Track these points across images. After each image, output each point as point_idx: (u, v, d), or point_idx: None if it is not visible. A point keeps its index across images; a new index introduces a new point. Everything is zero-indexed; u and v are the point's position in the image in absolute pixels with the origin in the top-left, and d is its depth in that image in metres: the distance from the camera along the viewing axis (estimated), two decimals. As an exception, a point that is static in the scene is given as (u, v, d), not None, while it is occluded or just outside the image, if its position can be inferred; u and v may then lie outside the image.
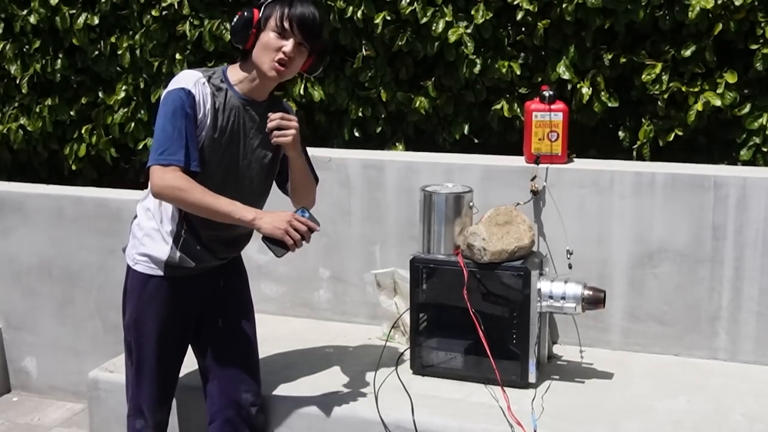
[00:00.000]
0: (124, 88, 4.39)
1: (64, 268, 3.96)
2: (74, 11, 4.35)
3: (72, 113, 4.58)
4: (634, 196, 3.23)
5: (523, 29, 3.68)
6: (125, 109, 4.41)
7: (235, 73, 2.60)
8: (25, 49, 4.55)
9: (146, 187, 2.67)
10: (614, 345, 3.34)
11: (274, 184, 2.80)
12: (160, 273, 2.62)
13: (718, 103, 3.41)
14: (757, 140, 3.44)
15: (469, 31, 3.68)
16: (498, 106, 3.76)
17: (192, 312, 2.73)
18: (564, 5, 3.51)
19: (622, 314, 3.31)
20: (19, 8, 4.46)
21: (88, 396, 3.28)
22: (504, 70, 3.68)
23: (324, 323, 3.70)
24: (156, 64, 4.27)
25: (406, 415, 2.79)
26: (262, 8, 2.52)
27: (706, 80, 3.48)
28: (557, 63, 3.61)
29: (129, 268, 2.69)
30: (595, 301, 2.91)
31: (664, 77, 3.49)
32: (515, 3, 3.59)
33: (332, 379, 3.08)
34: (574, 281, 2.92)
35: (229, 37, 2.54)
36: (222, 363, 2.79)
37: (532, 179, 3.30)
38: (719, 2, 3.33)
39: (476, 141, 3.93)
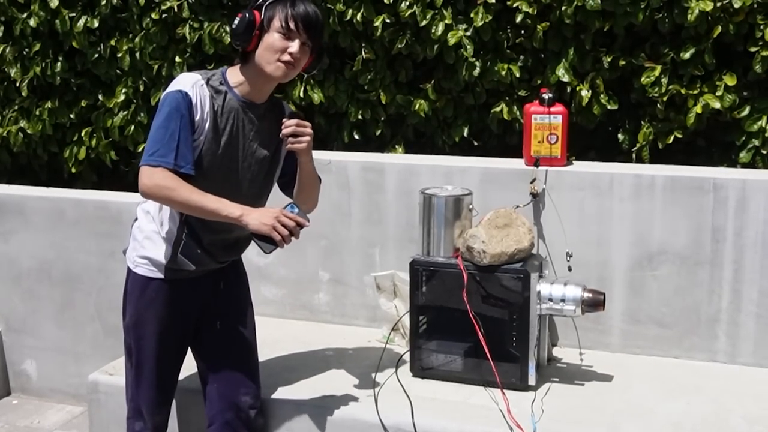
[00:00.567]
0: (123, 91, 4.39)
1: (64, 270, 3.96)
2: (74, 14, 4.36)
3: (72, 116, 4.59)
4: (634, 199, 3.23)
5: (523, 32, 3.69)
6: (125, 112, 4.42)
7: (234, 75, 2.60)
8: (24, 52, 4.55)
9: None
10: (614, 347, 3.34)
11: (276, 186, 2.81)
12: (161, 276, 2.62)
13: (717, 105, 3.42)
14: (757, 142, 3.45)
15: (468, 33, 3.69)
16: (497, 109, 3.76)
17: (192, 315, 2.74)
18: (563, 8, 3.52)
19: (621, 316, 3.31)
20: (18, 11, 4.47)
21: (88, 399, 3.28)
22: (503, 73, 3.68)
23: (324, 326, 3.70)
24: (156, 67, 4.27)
25: (405, 417, 2.79)
26: (263, 9, 2.51)
27: (706, 82, 3.48)
28: (556, 65, 3.62)
29: (129, 270, 2.69)
30: (594, 303, 2.91)
31: (664, 79, 3.49)
32: (514, 6, 3.59)
33: (332, 382, 3.08)
34: (574, 284, 2.92)
35: (230, 39, 2.54)
36: (221, 366, 2.79)
37: (532, 182, 3.30)
38: (718, 5, 3.34)
39: (476, 143, 3.93)
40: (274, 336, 3.48)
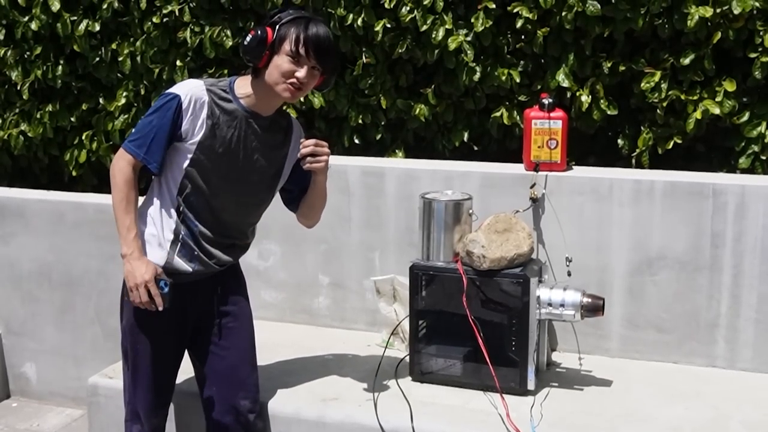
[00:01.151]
0: (124, 94, 4.40)
1: (64, 273, 3.96)
2: (75, 18, 4.37)
3: (73, 119, 4.60)
4: (633, 204, 3.24)
5: (523, 37, 3.70)
6: (126, 116, 4.43)
7: (243, 86, 2.62)
8: (26, 55, 4.56)
9: (145, 193, 2.68)
10: (613, 352, 3.34)
11: (278, 197, 2.82)
12: None
13: (716, 111, 3.42)
14: (756, 148, 3.45)
15: (468, 38, 3.69)
16: (497, 114, 3.77)
17: (189, 318, 2.74)
18: (563, 13, 3.53)
19: (621, 321, 3.31)
20: (20, 14, 4.48)
21: (88, 402, 3.28)
22: (503, 78, 3.69)
23: (323, 330, 3.71)
24: (157, 70, 4.28)
25: (405, 421, 2.79)
26: (276, 28, 2.51)
27: (705, 88, 3.49)
28: (557, 71, 3.63)
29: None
30: (594, 308, 2.91)
31: (663, 85, 3.50)
32: (515, 11, 3.60)
33: (331, 386, 3.08)
34: (573, 288, 2.93)
35: (241, 53, 2.56)
36: (220, 369, 2.79)
37: (532, 186, 3.30)
38: (718, 11, 3.34)
39: (476, 148, 3.93)
40: (274, 340, 3.48)
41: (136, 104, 4.42)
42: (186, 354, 2.83)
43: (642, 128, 3.63)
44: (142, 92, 4.38)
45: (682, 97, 3.50)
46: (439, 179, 3.44)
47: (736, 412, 2.86)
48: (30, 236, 3.99)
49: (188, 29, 4.15)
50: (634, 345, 3.31)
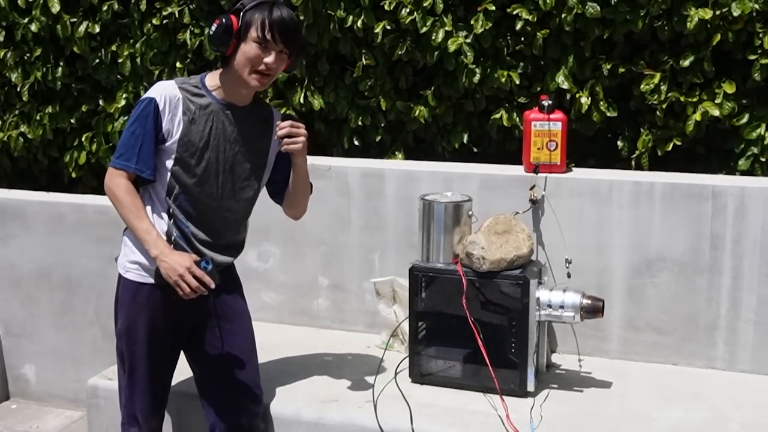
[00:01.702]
0: (124, 96, 4.40)
1: (63, 275, 3.96)
2: (75, 19, 4.37)
3: (72, 121, 4.60)
4: (633, 206, 3.24)
5: (523, 39, 3.70)
6: (125, 117, 4.42)
7: (213, 79, 2.63)
8: (26, 57, 4.56)
9: None
10: (613, 354, 3.34)
11: (264, 192, 2.81)
12: (151, 281, 2.62)
13: (716, 113, 3.42)
14: (755, 150, 3.45)
15: (468, 40, 3.70)
16: (497, 116, 3.77)
17: (184, 320, 2.72)
18: (563, 15, 3.53)
19: (620, 323, 3.32)
20: (20, 16, 4.48)
21: (87, 403, 3.28)
22: (503, 80, 3.69)
23: (323, 331, 3.71)
24: (156, 72, 4.28)
25: (404, 423, 2.79)
26: (241, 15, 2.51)
27: (705, 90, 3.49)
28: (556, 73, 3.63)
29: (120, 276, 2.69)
30: (593, 310, 2.91)
31: (663, 87, 3.50)
32: (515, 13, 3.60)
33: (331, 388, 3.08)
34: (573, 290, 2.93)
35: (208, 43, 2.57)
36: (221, 371, 2.78)
37: (531, 188, 3.31)
38: (717, 13, 3.35)
39: (475, 150, 3.93)
40: (274, 341, 3.48)
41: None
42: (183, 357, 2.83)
43: (641, 130, 3.63)
44: (142, 94, 4.35)
45: (682, 99, 3.50)
46: (439, 181, 3.45)
47: (736, 414, 2.86)
48: (30, 238, 3.99)
49: (188, 31, 4.15)
50: (634, 347, 3.31)
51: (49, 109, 4.59)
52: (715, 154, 3.64)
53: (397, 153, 4.00)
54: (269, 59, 2.51)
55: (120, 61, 4.35)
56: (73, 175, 4.61)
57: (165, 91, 2.55)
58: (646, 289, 3.26)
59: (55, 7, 4.33)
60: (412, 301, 3.08)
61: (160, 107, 2.53)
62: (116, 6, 4.28)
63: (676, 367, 3.27)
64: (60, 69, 4.51)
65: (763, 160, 3.45)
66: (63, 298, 3.98)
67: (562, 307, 2.91)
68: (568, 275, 3.21)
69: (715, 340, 3.22)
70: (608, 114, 3.61)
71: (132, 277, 2.65)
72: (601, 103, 3.60)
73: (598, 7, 3.47)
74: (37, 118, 4.61)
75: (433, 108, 3.88)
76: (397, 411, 2.86)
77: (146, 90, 4.30)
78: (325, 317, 3.74)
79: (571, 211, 3.30)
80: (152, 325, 2.66)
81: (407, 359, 3.16)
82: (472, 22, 3.68)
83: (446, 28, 3.70)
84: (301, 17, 3.88)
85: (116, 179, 2.54)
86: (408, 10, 3.73)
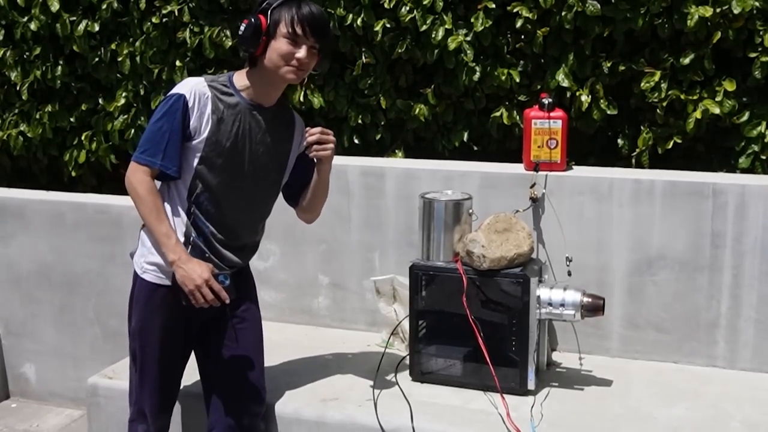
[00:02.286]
0: (124, 94, 4.40)
1: (63, 274, 3.96)
2: (74, 18, 4.36)
3: (72, 120, 4.59)
4: (633, 204, 3.24)
5: (523, 37, 3.69)
6: (125, 116, 4.42)
7: (241, 79, 2.62)
8: (25, 56, 4.56)
9: None
10: (613, 352, 3.34)
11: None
12: (168, 283, 2.61)
13: (716, 110, 3.42)
14: (756, 148, 3.45)
15: (468, 38, 3.69)
16: (497, 114, 3.77)
17: (198, 321, 2.73)
18: (563, 13, 3.52)
19: (621, 321, 3.31)
20: (19, 15, 4.47)
21: (87, 402, 3.28)
22: (503, 78, 3.69)
23: (323, 330, 3.71)
24: (156, 71, 4.28)
25: (405, 421, 2.79)
26: (269, 13, 2.51)
27: (705, 88, 3.49)
28: (556, 71, 3.62)
29: (136, 275, 2.68)
30: (594, 308, 2.91)
31: (663, 85, 3.50)
32: (515, 11, 3.60)
33: (331, 386, 3.08)
34: (573, 288, 2.93)
35: (237, 44, 2.56)
36: (228, 371, 2.78)
37: (532, 186, 3.30)
38: (718, 10, 3.34)
39: (475, 148, 3.93)
40: (274, 340, 3.47)
41: (135, 105, 4.41)
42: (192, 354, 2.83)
43: (642, 128, 3.63)
44: (142, 93, 4.37)
45: (682, 96, 3.50)
46: (439, 179, 3.44)
47: (737, 412, 2.86)
48: (29, 237, 3.99)
49: (188, 29, 4.15)
50: (635, 345, 3.31)
51: (49, 108, 4.58)
52: (716, 152, 3.64)
53: (397, 151, 3.99)
54: (301, 54, 2.50)
55: (119, 59, 4.34)
56: (73, 174, 4.61)
57: (195, 88, 2.53)
58: (647, 288, 3.26)
59: (55, 6, 4.33)
60: (412, 300, 3.08)
61: (190, 104, 2.50)
62: (116, 4, 4.28)
63: (677, 365, 3.27)
64: (59, 68, 4.50)
65: (763, 158, 3.45)
66: (63, 297, 3.98)
67: (562, 305, 2.91)
68: (569, 273, 3.21)
69: (716, 338, 3.22)
70: (608, 112, 3.61)
71: (149, 278, 2.64)
72: (602, 101, 3.60)
73: (598, 5, 3.46)
74: (37, 117, 4.60)
75: (433, 106, 3.88)
76: (398, 409, 2.86)
77: (146, 89, 4.34)
78: (325, 316, 3.74)
79: (572, 210, 3.30)
80: (166, 327, 2.66)
81: (407, 358, 3.16)
82: (472, 20, 3.67)
83: (446, 27, 3.70)
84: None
85: (139, 175, 2.51)
86: (408, 8, 3.73)
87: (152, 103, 4.29)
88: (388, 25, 3.80)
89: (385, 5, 3.76)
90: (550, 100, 3.32)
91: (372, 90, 3.94)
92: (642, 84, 3.52)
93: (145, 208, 2.51)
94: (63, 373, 4.04)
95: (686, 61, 3.45)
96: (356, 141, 4.06)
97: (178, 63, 4.24)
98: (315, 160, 2.67)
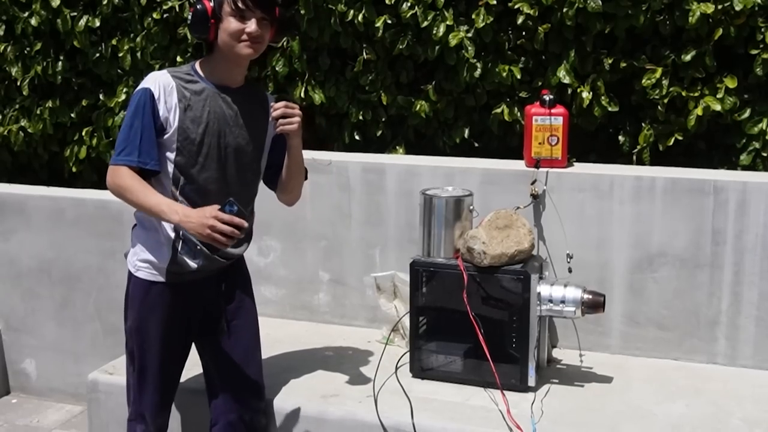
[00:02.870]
0: (125, 90, 4.39)
1: (64, 270, 3.96)
2: (75, 13, 4.36)
3: (73, 115, 4.59)
4: (634, 201, 3.23)
5: (524, 33, 3.69)
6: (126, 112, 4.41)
7: (204, 65, 2.63)
8: (26, 51, 4.55)
9: None
10: (614, 349, 3.34)
11: (263, 186, 2.80)
12: (162, 279, 2.62)
13: (718, 107, 3.42)
14: (757, 145, 3.45)
15: (469, 35, 3.69)
16: (498, 110, 3.76)
17: (195, 317, 2.73)
18: (564, 10, 3.52)
19: (621, 318, 3.31)
20: (20, 10, 4.47)
21: (88, 398, 3.28)
22: (504, 75, 3.68)
23: (323, 326, 3.71)
24: (157, 66, 4.27)
25: (405, 418, 2.80)
26: None
27: (706, 85, 3.49)
28: (557, 67, 3.62)
29: (131, 274, 2.68)
30: (594, 305, 2.91)
31: (664, 82, 3.50)
32: (516, 7, 3.60)
33: (332, 382, 3.08)
34: (574, 285, 2.93)
35: (190, 34, 2.57)
36: (226, 367, 2.78)
37: (532, 183, 3.30)
38: (719, 7, 3.34)
39: (476, 145, 3.93)
40: (274, 336, 3.48)
41: (136, 100, 4.41)
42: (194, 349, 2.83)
43: (643, 125, 3.62)
44: (143, 88, 4.36)
45: (683, 93, 3.49)
46: (440, 176, 3.44)
47: (737, 409, 2.86)
48: (30, 233, 3.99)
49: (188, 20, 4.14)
50: (635, 342, 3.31)
51: (50, 104, 4.58)
52: (717, 149, 3.63)
53: (397, 148, 3.99)
54: (251, 28, 2.50)
55: (120, 55, 4.34)
56: (74, 169, 4.61)
57: (159, 80, 2.54)
58: (647, 285, 3.26)
59: (55, 2, 4.32)
60: (412, 296, 3.08)
61: (156, 96, 2.51)
62: (116, 0, 4.27)
63: (677, 362, 3.27)
64: (60, 63, 4.50)
65: (764, 155, 3.44)
66: (63, 292, 3.98)
67: (563, 302, 2.91)
68: (569, 270, 3.21)
69: (716, 336, 3.22)
70: (609, 109, 3.60)
71: (143, 276, 2.64)
72: (603, 97, 3.59)
73: (600, 2, 3.46)
74: (38, 112, 4.60)
75: (434, 103, 3.87)
76: (398, 406, 2.86)
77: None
78: (325, 312, 3.74)
79: (573, 206, 3.30)
80: (163, 324, 2.66)
81: (408, 354, 3.16)
82: (473, 16, 3.67)
83: (447, 23, 3.69)
84: (302, 11, 3.88)
85: (119, 174, 2.49)
86: (409, 4, 3.73)
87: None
88: (389, 22, 3.80)
89: (386, 1, 3.75)
90: (551, 96, 3.32)
91: (373, 86, 3.94)
92: (643, 81, 3.52)
93: (131, 193, 2.47)
94: (63, 368, 4.04)
95: (687, 58, 3.44)
96: (357, 137, 4.05)
97: (179, 59, 4.24)
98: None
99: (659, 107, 3.53)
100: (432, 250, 3.06)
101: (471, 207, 3.08)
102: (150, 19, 4.23)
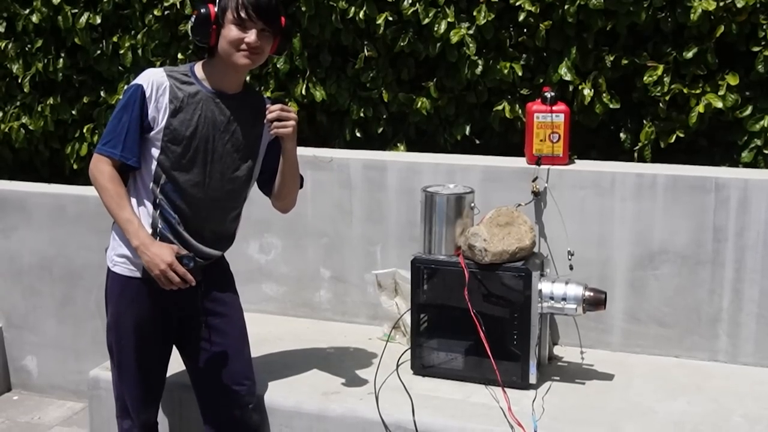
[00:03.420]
0: (125, 87, 4.39)
1: (65, 267, 3.96)
2: (76, 10, 4.36)
3: (74, 112, 4.59)
4: (635, 198, 3.23)
5: (525, 30, 3.69)
6: (127, 109, 4.41)
7: (202, 69, 2.62)
8: (27, 49, 4.55)
9: None
10: (615, 346, 3.34)
11: (255, 185, 2.78)
12: (139, 275, 2.60)
13: (719, 105, 3.42)
14: (759, 142, 3.45)
15: (470, 32, 3.69)
16: (499, 107, 3.76)
17: (173, 314, 2.70)
18: (566, 7, 3.52)
19: (622, 316, 3.31)
20: (21, 7, 4.47)
21: (89, 395, 3.28)
22: (506, 72, 3.68)
23: (324, 323, 3.70)
24: (158, 63, 4.27)
25: (406, 415, 2.79)
26: (217, 2, 2.53)
27: (708, 82, 3.49)
28: (559, 64, 3.62)
29: (108, 269, 2.68)
30: (595, 302, 2.91)
31: (666, 79, 3.49)
32: (517, 4, 3.59)
33: (333, 380, 3.08)
34: (575, 282, 2.93)
35: (191, 37, 2.58)
36: (211, 365, 2.76)
37: (534, 180, 3.30)
38: (721, 4, 3.34)
39: (477, 142, 3.93)
40: (275, 333, 3.49)
41: (137, 97, 4.41)
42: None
43: (644, 122, 3.62)
44: (143, 85, 4.36)
45: (685, 91, 3.49)
46: (441, 173, 3.44)
47: (738, 406, 2.86)
48: (31, 230, 3.99)
49: (189, 22, 4.13)
50: (636, 339, 3.31)
51: (51, 101, 4.58)
52: (718, 146, 3.63)
53: (399, 145, 3.99)
54: (250, 38, 2.50)
55: (121, 52, 4.34)
56: (75, 166, 4.61)
57: (152, 78, 2.54)
58: (649, 282, 3.26)
59: (56, -1, 4.33)
60: (413, 293, 3.07)
61: (147, 94, 2.52)
62: (117, -3, 4.28)
63: (678, 359, 3.27)
64: (61, 60, 4.50)
65: (766, 152, 3.44)
66: (64, 289, 3.98)
67: (564, 299, 2.91)
68: (571, 267, 3.21)
69: (718, 333, 3.22)
70: (611, 106, 3.60)
71: (120, 271, 2.63)
72: (604, 95, 3.59)
73: (601, -1, 3.46)
74: (39, 109, 4.60)
75: (435, 100, 3.87)
76: (399, 403, 2.86)
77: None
78: (326, 309, 3.74)
79: (574, 204, 3.30)
80: (140, 319, 2.64)
81: (409, 351, 3.16)
82: (474, 13, 3.67)
83: (448, 20, 3.69)
84: (303, 9, 3.88)
85: (101, 165, 2.54)
86: (410, 1, 3.73)
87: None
88: (391, 19, 3.80)
89: (388, -2, 3.76)
90: (553, 93, 3.32)
91: (374, 83, 3.94)
92: (645, 78, 3.51)
93: (107, 197, 2.53)
94: (64, 365, 4.04)
95: (689, 55, 3.44)
96: (358, 134, 4.05)
97: (180, 56, 4.24)
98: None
99: (661, 104, 3.52)
100: (433, 247, 3.06)
101: (472, 204, 3.08)
102: (151, 16, 4.24)
